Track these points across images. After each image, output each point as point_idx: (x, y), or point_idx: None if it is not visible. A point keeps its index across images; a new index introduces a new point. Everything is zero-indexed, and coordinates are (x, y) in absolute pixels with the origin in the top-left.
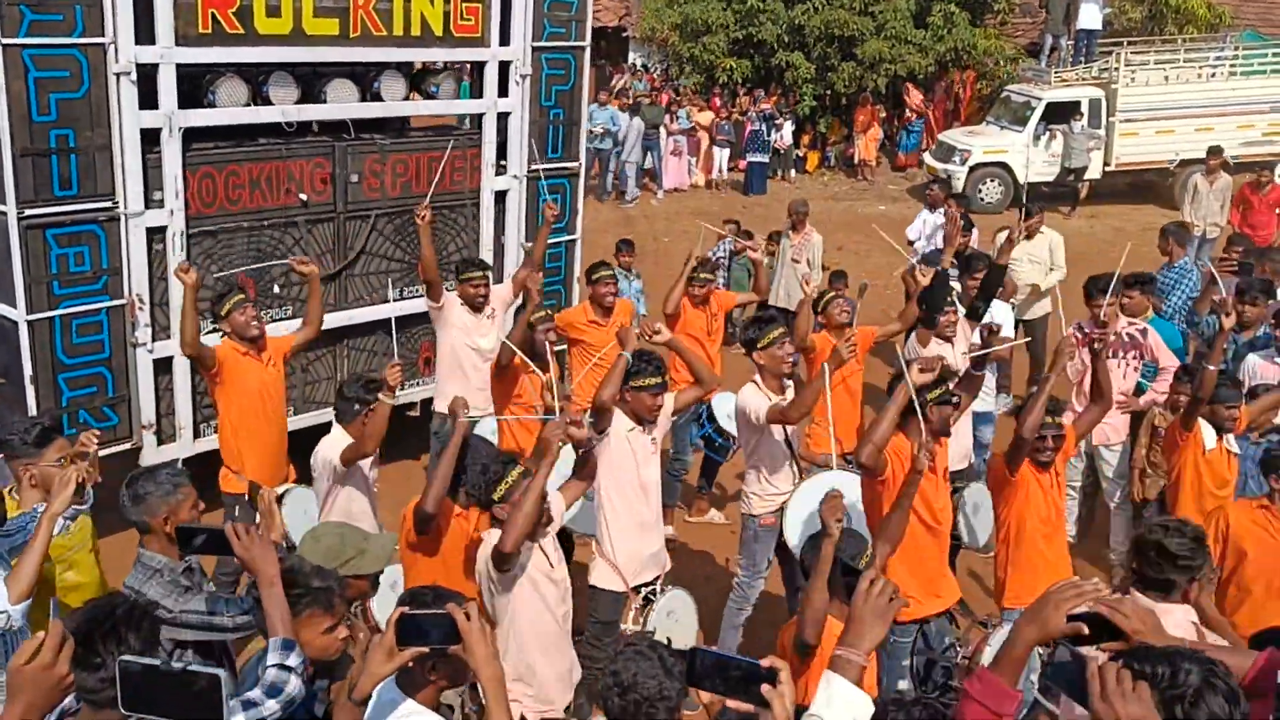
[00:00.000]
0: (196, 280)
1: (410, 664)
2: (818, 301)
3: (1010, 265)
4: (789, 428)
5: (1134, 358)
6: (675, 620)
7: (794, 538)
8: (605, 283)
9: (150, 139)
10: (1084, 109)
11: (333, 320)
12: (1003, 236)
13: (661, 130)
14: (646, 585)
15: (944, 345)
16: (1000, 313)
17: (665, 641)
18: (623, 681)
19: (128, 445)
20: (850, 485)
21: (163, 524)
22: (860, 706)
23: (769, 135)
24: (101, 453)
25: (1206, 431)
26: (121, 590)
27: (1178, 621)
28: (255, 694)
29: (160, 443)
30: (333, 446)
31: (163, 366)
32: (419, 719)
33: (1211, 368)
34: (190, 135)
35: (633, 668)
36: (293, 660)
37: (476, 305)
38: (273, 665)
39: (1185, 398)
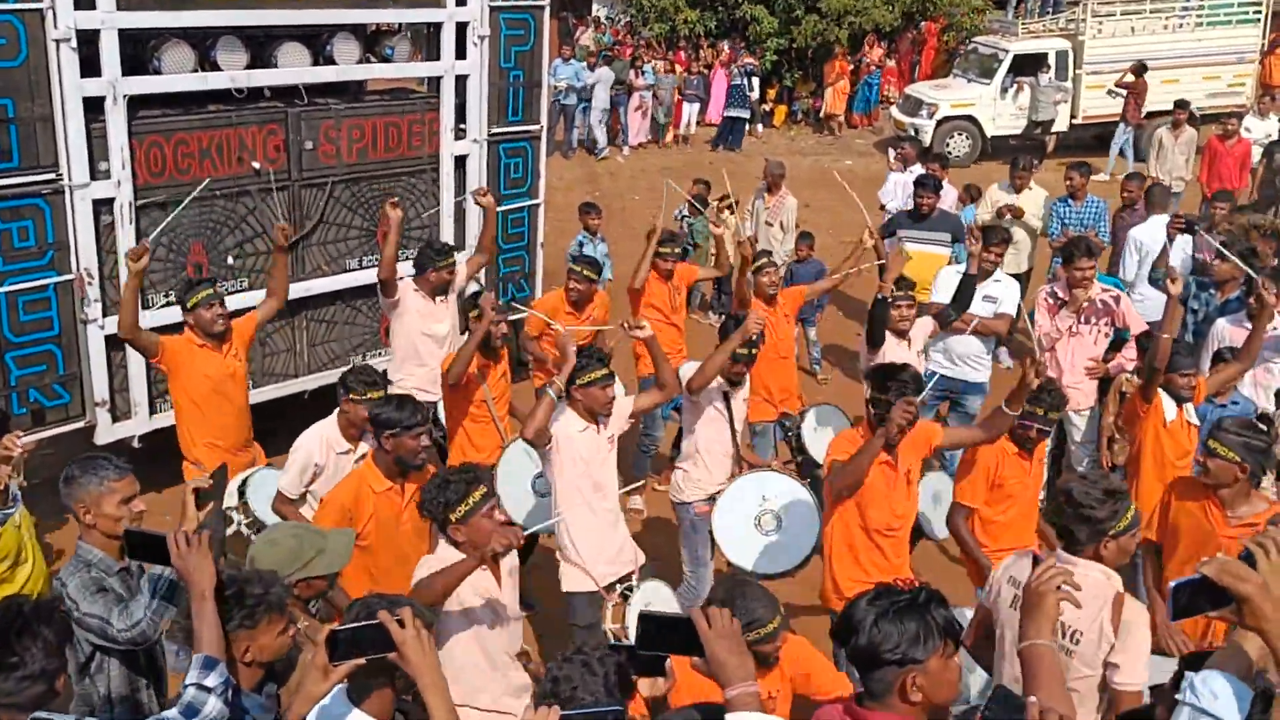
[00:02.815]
0: (145, 265)
1: (357, 674)
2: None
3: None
4: (736, 417)
5: (1106, 324)
6: None
7: (725, 543)
8: (575, 279)
9: (93, 108)
10: (1051, 61)
11: (291, 291)
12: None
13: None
14: (621, 581)
15: (900, 343)
16: (1004, 285)
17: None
18: (560, 691)
19: (81, 424)
20: (782, 486)
21: (84, 514)
22: None
23: (750, 90)
24: (54, 431)
25: (1167, 403)
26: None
27: (1094, 582)
28: (171, 714)
29: (115, 420)
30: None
31: (115, 342)
32: None
33: (1166, 336)
34: (136, 103)
35: (575, 678)
36: (212, 680)
37: (443, 290)
38: (191, 684)
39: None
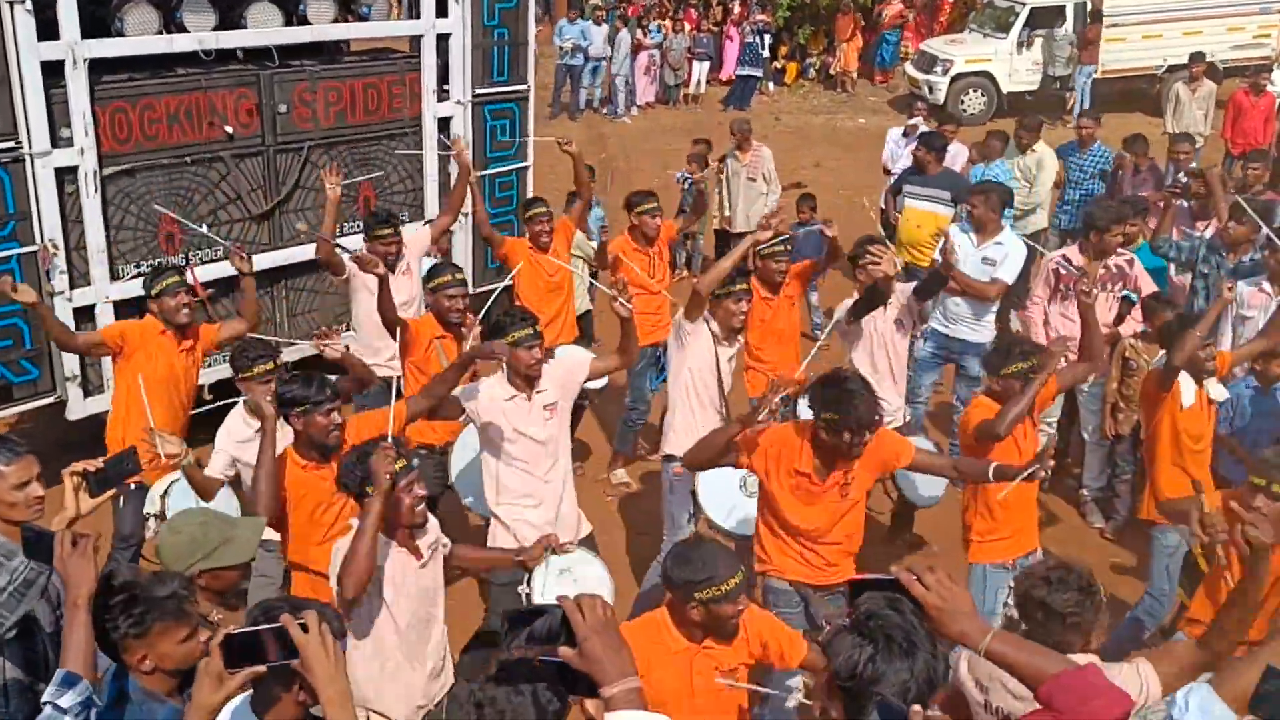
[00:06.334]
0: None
1: (261, 682)
2: (760, 251)
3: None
4: (724, 370)
5: (1119, 289)
6: (572, 580)
7: (707, 502)
8: (539, 221)
9: (53, 72)
10: (1069, 13)
11: (268, 260)
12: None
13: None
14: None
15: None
16: (1007, 248)
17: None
18: (479, 700)
19: (51, 399)
20: None
21: None
22: None
23: (764, 48)
24: (25, 407)
25: (1185, 386)
26: None
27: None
28: None
29: (86, 395)
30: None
31: (84, 315)
32: None
33: (1197, 333)
34: (98, 67)
35: (496, 694)
36: (67, 700)
37: (389, 264)
38: (46, 702)
39: (1143, 326)
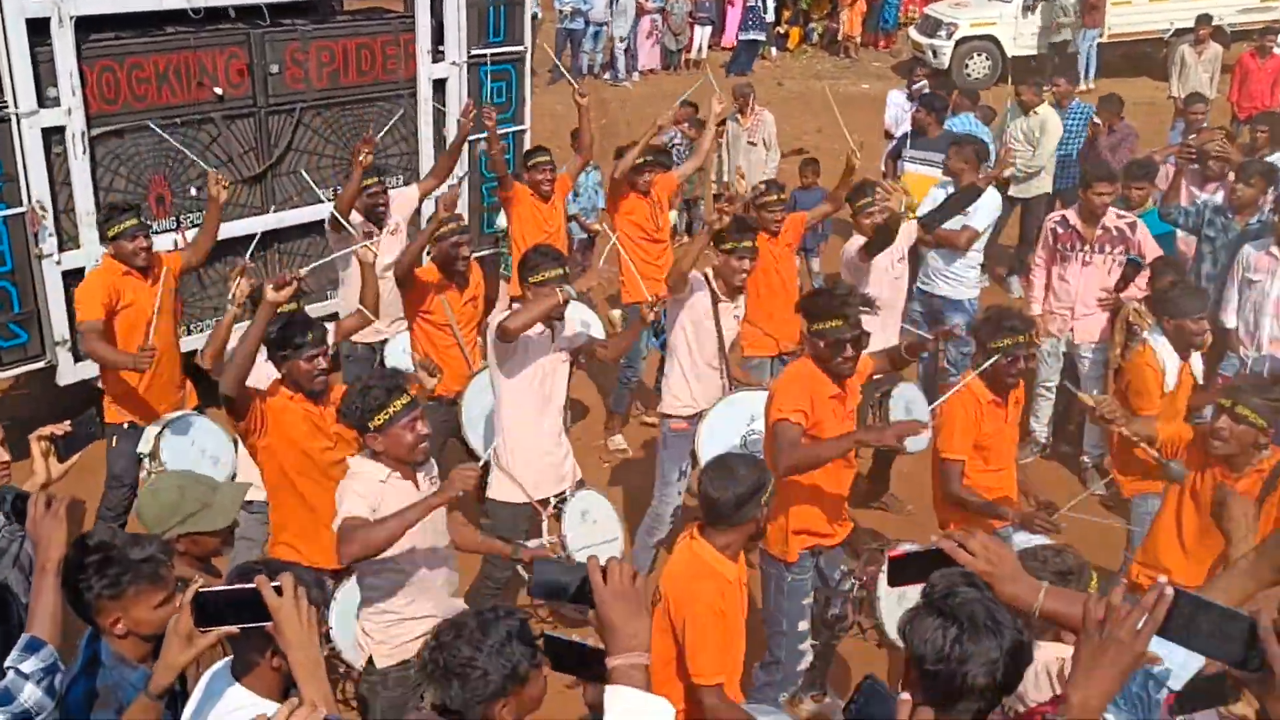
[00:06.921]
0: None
1: (238, 646)
2: (755, 201)
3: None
4: (726, 337)
5: (1120, 253)
6: (593, 521)
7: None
8: (542, 169)
9: (39, 30)
10: None
11: (260, 224)
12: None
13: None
14: (557, 496)
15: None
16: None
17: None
18: (441, 639)
19: (41, 364)
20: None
21: None
22: (658, 714)
23: (766, 11)
24: (12, 373)
25: (1169, 365)
26: None
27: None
28: None
29: (77, 360)
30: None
31: (74, 278)
32: (248, 713)
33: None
34: (85, 25)
35: (458, 634)
36: (29, 665)
37: (377, 218)
38: (8, 668)
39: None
